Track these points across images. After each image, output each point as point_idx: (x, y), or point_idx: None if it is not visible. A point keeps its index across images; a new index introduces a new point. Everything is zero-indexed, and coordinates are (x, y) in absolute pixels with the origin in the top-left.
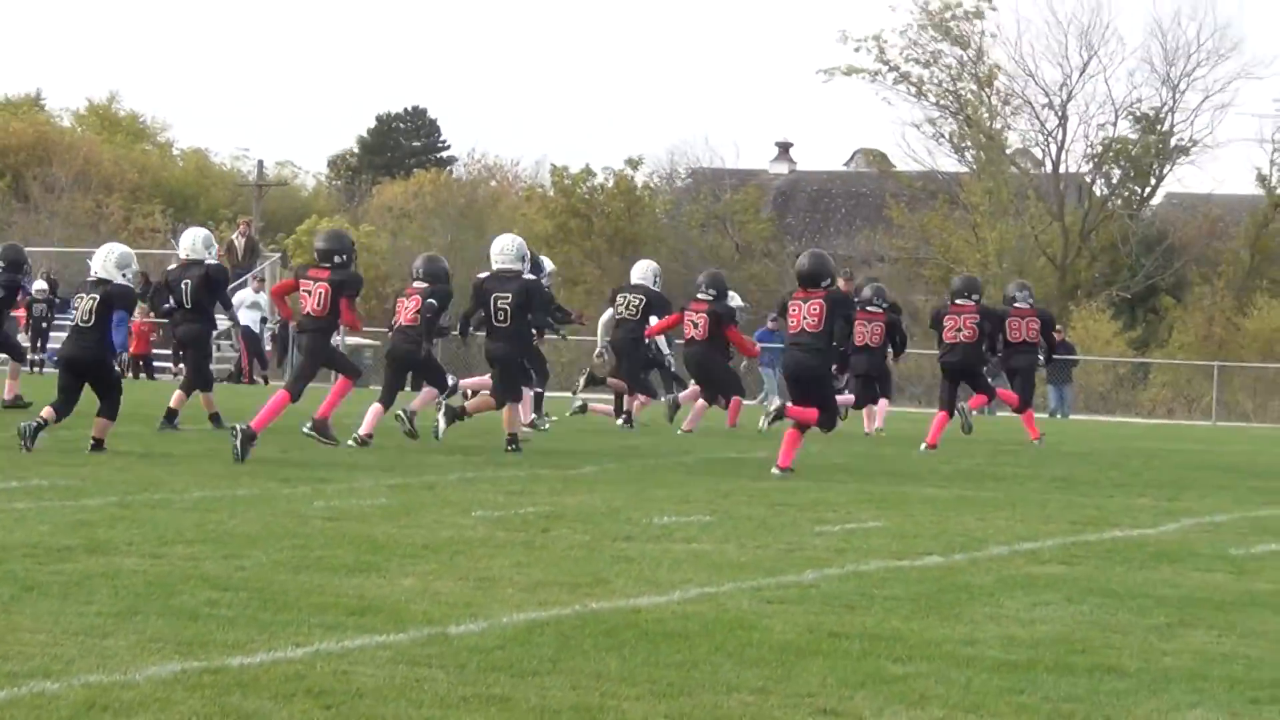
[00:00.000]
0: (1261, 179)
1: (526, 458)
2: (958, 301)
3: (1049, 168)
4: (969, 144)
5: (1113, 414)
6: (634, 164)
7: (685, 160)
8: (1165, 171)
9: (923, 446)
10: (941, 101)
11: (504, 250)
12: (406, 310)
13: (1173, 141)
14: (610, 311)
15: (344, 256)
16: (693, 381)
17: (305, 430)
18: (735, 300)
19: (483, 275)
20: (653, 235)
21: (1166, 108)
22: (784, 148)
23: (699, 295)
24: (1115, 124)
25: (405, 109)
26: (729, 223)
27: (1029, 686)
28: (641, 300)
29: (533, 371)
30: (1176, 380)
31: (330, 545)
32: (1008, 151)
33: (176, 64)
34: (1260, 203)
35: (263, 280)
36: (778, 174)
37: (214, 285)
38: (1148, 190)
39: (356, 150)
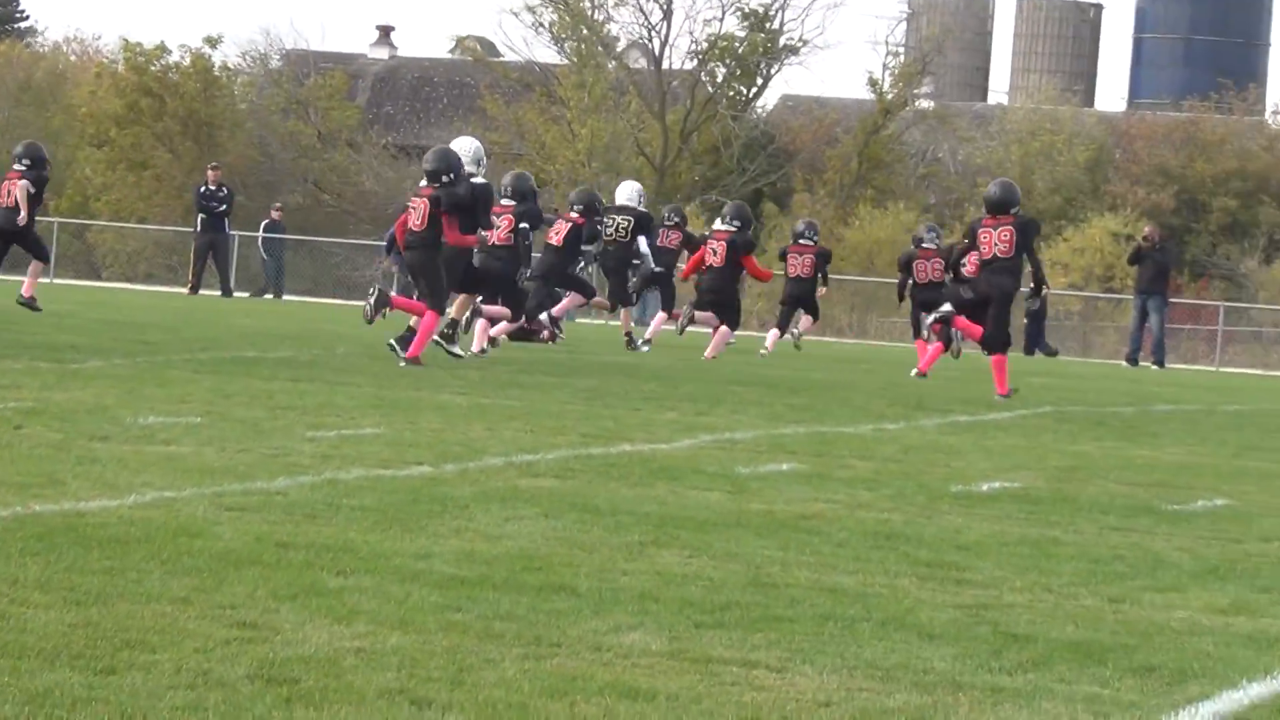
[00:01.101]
0: (873, 83)
1: (26, 350)
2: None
3: (652, 64)
4: (568, 35)
5: (697, 326)
6: (212, 43)
7: (275, 42)
8: (773, 72)
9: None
10: None
11: (461, 152)
12: (498, 230)
13: (782, 41)
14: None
15: (451, 175)
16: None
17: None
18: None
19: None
20: (230, 120)
21: (776, 5)
22: (385, 31)
23: (721, 225)
24: (722, 20)
25: None
26: (312, 109)
27: (468, 604)
28: (629, 221)
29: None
30: (771, 290)
31: None
32: (620, 47)
33: None
34: (872, 108)
35: None
36: (377, 59)
37: None
38: (754, 91)
39: None
